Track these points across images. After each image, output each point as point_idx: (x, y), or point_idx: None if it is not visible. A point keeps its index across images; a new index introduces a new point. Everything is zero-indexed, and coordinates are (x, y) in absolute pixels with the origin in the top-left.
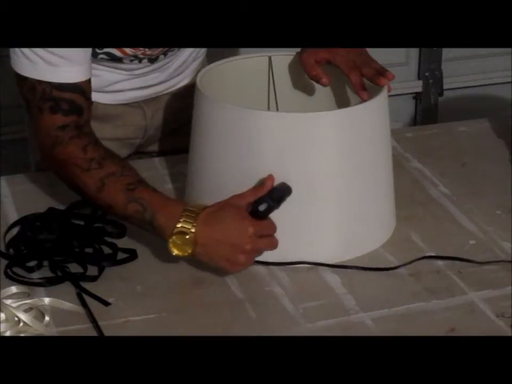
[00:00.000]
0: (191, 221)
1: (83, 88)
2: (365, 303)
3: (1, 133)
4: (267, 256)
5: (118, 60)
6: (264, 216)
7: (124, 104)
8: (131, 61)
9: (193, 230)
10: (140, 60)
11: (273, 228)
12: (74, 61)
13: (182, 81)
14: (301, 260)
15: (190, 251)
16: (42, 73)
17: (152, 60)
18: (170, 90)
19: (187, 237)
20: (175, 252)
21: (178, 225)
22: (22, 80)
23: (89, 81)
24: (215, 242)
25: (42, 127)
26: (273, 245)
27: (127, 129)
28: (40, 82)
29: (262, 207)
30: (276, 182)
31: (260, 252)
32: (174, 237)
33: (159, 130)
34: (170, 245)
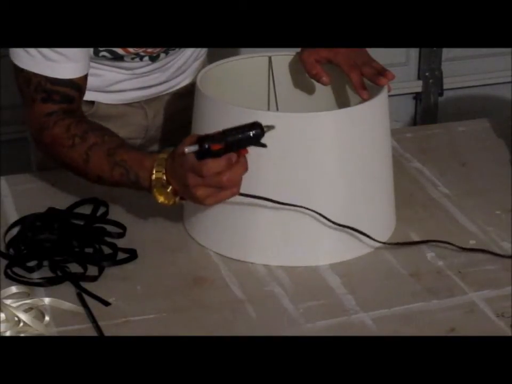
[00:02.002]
0: (161, 170)
1: (78, 84)
2: (365, 303)
3: (1, 132)
4: (268, 257)
5: (119, 58)
6: (212, 154)
7: (126, 104)
8: (132, 59)
9: (165, 178)
10: (141, 58)
11: (216, 165)
12: (72, 58)
13: (183, 81)
14: (301, 259)
15: (174, 199)
16: (39, 67)
17: (153, 58)
18: (171, 90)
19: (168, 190)
20: (161, 199)
21: (153, 177)
22: (19, 70)
23: (85, 77)
24: (179, 185)
25: (32, 114)
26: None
27: (128, 129)
28: (36, 75)
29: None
30: (275, 179)
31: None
32: (156, 188)
33: (160, 130)
34: (156, 194)
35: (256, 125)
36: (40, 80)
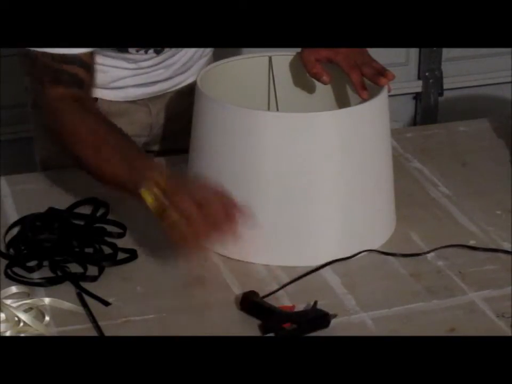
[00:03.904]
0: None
1: (84, 61)
2: (365, 303)
3: (1, 133)
4: (268, 257)
5: (124, 50)
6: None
7: (129, 102)
8: (137, 51)
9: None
10: (146, 50)
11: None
12: None
13: (188, 79)
14: (301, 259)
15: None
16: None
17: (158, 51)
18: (175, 88)
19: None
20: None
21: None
22: (24, 55)
23: (91, 54)
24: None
25: (44, 99)
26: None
27: (132, 126)
28: (41, 54)
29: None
30: (275, 180)
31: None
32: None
33: (163, 128)
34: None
35: (327, 320)
36: (46, 59)
